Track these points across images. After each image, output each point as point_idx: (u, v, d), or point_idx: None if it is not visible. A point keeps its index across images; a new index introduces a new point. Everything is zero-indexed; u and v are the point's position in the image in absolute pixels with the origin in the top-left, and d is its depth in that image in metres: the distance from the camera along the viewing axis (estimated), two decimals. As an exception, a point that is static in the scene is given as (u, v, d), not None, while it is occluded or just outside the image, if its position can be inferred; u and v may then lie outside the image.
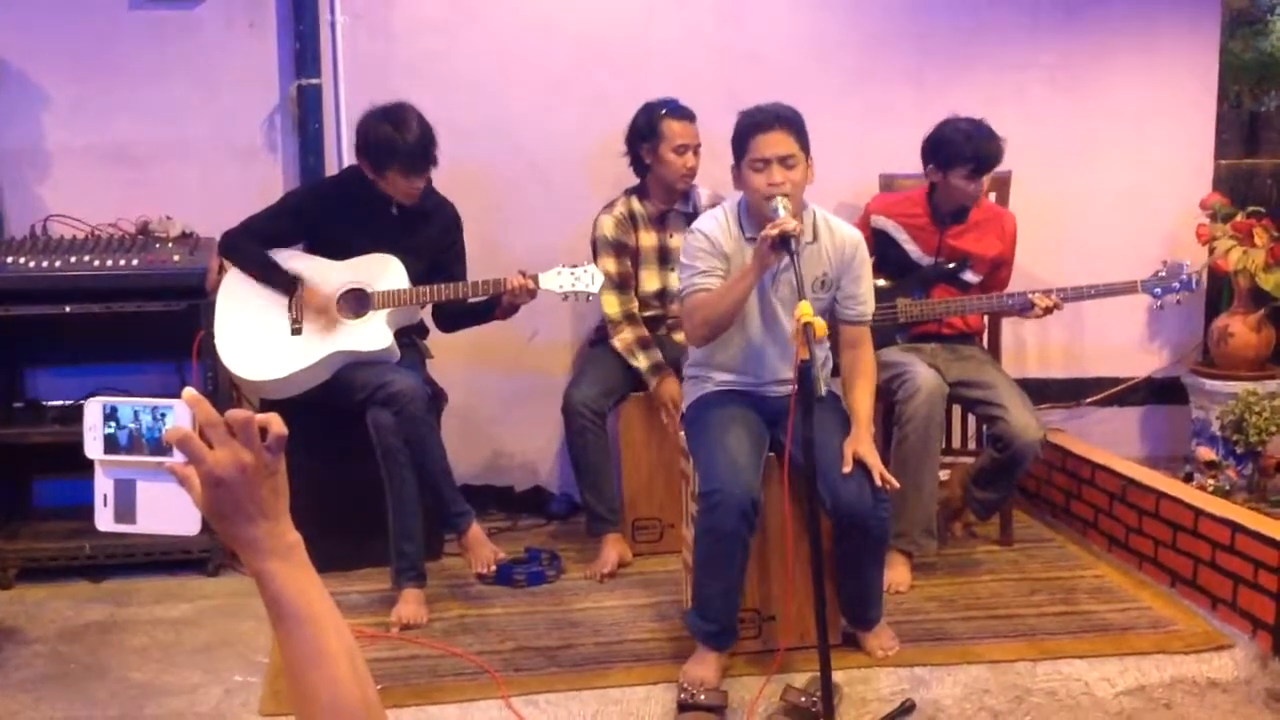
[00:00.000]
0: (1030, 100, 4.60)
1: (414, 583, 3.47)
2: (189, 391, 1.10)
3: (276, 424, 1.11)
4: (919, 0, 4.55)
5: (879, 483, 2.96)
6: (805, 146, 3.05)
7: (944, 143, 3.71)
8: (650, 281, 3.99)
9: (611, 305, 3.91)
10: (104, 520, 1.15)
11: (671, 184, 3.93)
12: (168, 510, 1.13)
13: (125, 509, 1.14)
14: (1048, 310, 3.67)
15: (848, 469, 2.96)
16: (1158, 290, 3.69)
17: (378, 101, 3.57)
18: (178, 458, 1.09)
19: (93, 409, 1.14)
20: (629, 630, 3.38)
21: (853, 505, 2.96)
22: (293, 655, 1.10)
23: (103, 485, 1.14)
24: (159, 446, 1.11)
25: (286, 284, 3.62)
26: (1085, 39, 4.63)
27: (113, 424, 1.13)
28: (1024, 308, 3.70)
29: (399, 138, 3.46)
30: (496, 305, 3.68)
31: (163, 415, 1.12)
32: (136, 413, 1.13)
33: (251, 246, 3.66)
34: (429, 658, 3.21)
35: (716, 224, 3.16)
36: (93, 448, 1.14)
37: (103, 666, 3.20)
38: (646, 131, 3.90)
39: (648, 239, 3.97)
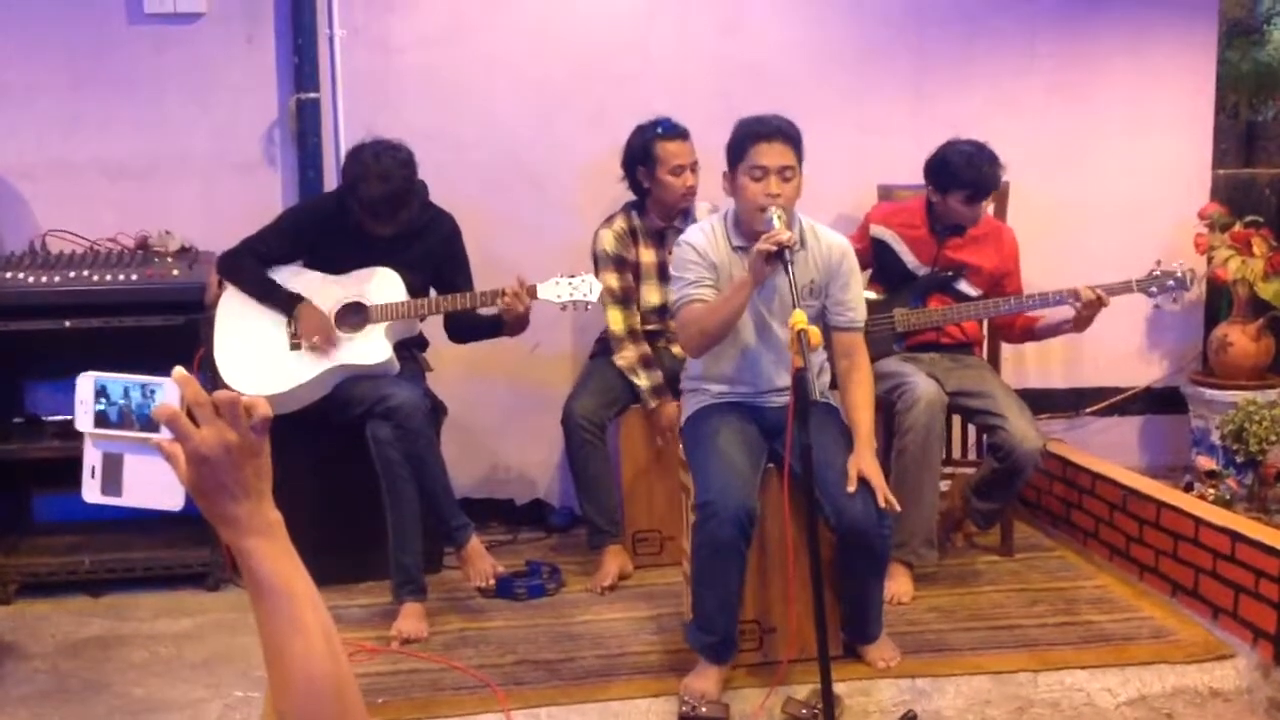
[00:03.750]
0: (1028, 110, 4.60)
1: (414, 597, 3.46)
2: (178, 370, 1.13)
3: (262, 406, 1.13)
4: (917, 11, 4.55)
5: (882, 504, 2.96)
6: (801, 161, 3.06)
7: (944, 165, 3.72)
8: (651, 296, 3.97)
9: (616, 321, 3.89)
10: (91, 492, 1.16)
11: (672, 205, 3.91)
12: (153, 485, 1.15)
13: (112, 482, 1.16)
14: (1091, 305, 3.55)
15: (852, 488, 2.95)
16: (1153, 289, 3.67)
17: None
18: (166, 434, 1.11)
19: (84, 383, 1.15)
20: (630, 643, 3.37)
21: (858, 523, 2.95)
22: (270, 629, 1.12)
23: (91, 457, 1.16)
24: (149, 423, 1.13)
25: (286, 303, 3.62)
26: (1082, 49, 4.63)
27: (104, 400, 1.15)
28: (1063, 302, 3.60)
29: (362, 187, 3.44)
30: (503, 322, 3.66)
31: (153, 392, 1.14)
32: (127, 389, 1.15)
33: (250, 266, 3.66)
34: (429, 671, 3.20)
35: (704, 235, 3.16)
36: (83, 421, 1.15)
37: (103, 682, 3.19)
38: (641, 155, 3.86)
39: (648, 255, 3.96)
